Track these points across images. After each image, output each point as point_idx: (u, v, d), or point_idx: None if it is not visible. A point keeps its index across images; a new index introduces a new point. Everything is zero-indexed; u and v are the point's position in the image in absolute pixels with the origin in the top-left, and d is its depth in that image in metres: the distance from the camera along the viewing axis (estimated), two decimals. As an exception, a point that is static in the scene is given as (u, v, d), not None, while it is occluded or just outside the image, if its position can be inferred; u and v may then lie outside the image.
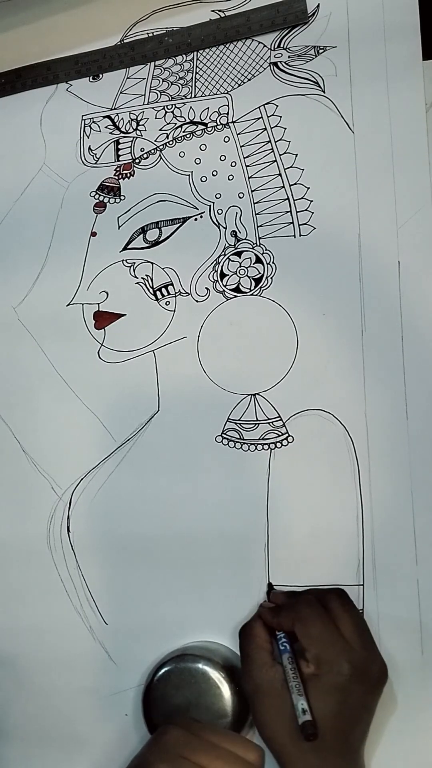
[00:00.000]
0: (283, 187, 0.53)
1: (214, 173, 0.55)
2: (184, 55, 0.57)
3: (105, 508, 0.53)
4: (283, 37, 0.55)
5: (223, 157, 0.55)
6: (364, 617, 0.46)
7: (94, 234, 0.57)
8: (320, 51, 0.54)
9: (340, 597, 0.45)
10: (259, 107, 0.55)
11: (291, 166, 0.53)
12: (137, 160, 0.57)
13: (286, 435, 0.51)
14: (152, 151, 0.57)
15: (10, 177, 0.60)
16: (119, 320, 0.55)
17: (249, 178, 0.54)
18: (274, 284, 0.53)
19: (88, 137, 0.59)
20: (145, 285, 0.55)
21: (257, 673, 0.44)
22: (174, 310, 0.54)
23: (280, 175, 0.54)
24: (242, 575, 0.50)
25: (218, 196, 0.55)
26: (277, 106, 0.54)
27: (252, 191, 0.54)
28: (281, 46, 0.55)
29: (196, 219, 0.55)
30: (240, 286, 0.53)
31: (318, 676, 0.42)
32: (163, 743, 0.41)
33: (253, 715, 0.44)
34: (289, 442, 0.51)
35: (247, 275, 0.53)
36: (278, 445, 0.51)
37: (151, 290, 0.55)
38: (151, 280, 0.55)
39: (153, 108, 0.57)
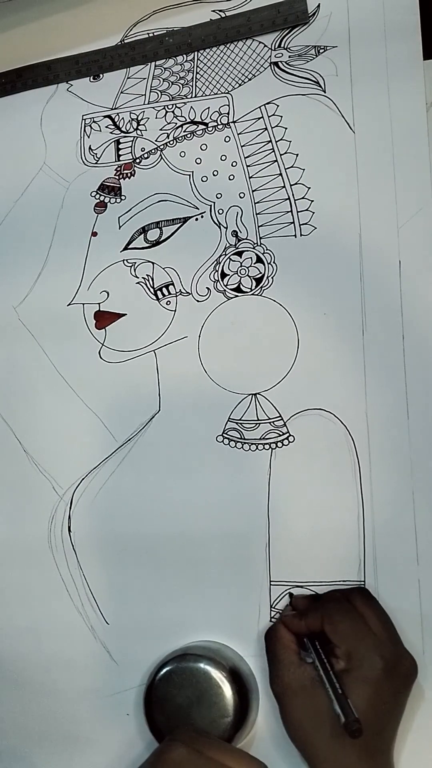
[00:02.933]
0: (284, 186, 0.53)
1: (215, 173, 0.55)
2: (184, 55, 0.57)
3: (106, 508, 0.53)
4: (283, 37, 0.55)
5: (223, 157, 0.55)
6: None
7: (94, 234, 0.57)
8: (321, 51, 0.54)
9: (364, 594, 0.46)
10: (259, 107, 0.55)
11: (292, 166, 0.53)
12: (138, 160, 0.57)
13: (287, 435, 0.51)
14: (153, 151, 0.57)
15: (10, 177, 0.60)
16: (120, 320, 0.55)
17: (250, 177, 0.54)
18: (274, 284, 0.53)
19: (89, 137, 0.59)
20: (146, 285, 0.55)
21: (286, 672, 0.44)
22: (175, 310, 0.54)
23: (280, 174, 0.54)
24: (244, 574, 0.50)
25: (219, 195, 0.55)
26: (278, 105, 0.54)
27: (253, 191, 0.54)
28: (282, 45, 0.55)
29: (196, 219, 0.55)
30: (241, 286, 0.53)
31: (349, 671, 0.42)
32: (166, 761, 0.40)
33: (283, 716, 0.44)
34: (290, 442, 0.51)
35: (247, 275, 0.53)
36: (279, 444, 0.51)
37: (151, 290, 0.55)
38: (152, 279, 0.55)
39: (153, 108, 0.57)
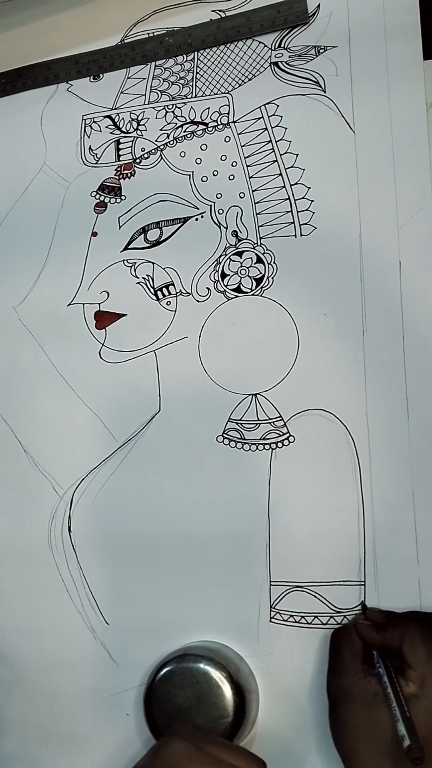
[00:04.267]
0: (284, 186, 0.53)
1: (215, 173, 0.55)
2: (184, 55, 0.57)
3: (106, 508, 0.53)
4: (283, 37, 0.55)
5: (223, 157, 0.55)
6: None
7: (94, 234, 0.57)
8: (321, 51, 0.54)
9: None
10: (259, 107, 0.55)
11: (292, 166, 0.53)
12: (138, 160, 0.57)
13: (287, 435, 0.51)
14: (153, 151, 0.57)
15: (10, 177, 0.60)
16: (120, 320, 0.55)
17: (250, 177, 0.54)
18: (275, 284, 0.53)
19: (89, 137, 0.59)
20: (146, 285, 0.55)
21: (350, 678, 0.43)
22: (175, 310, 0.54)
23: (280, 174, 0.54)
24: (244, 575, 0.50)
25: (219, 195, 0.55)
26: (278, 105, 0.54)
27: (253, 191, 0.54)
28: (282, 45, 0.55)
29: (197, 219, 0.55)
30: (241, 286, 0.53)
31: (419, 697, 0.41)
32: (164, 756, 0.40)
33: (334, 720, 0.43)
34: (290, 442, 0.51)
35: (248, 275, 0.53)
36: (279, 444, 0.51)
37: (152, 290, 0.55)
38: (152, 280, 0.55)
39: (153, 108, 0.57)
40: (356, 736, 0.42)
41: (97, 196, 0.57)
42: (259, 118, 0.55)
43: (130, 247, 0.56)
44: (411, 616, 0.45)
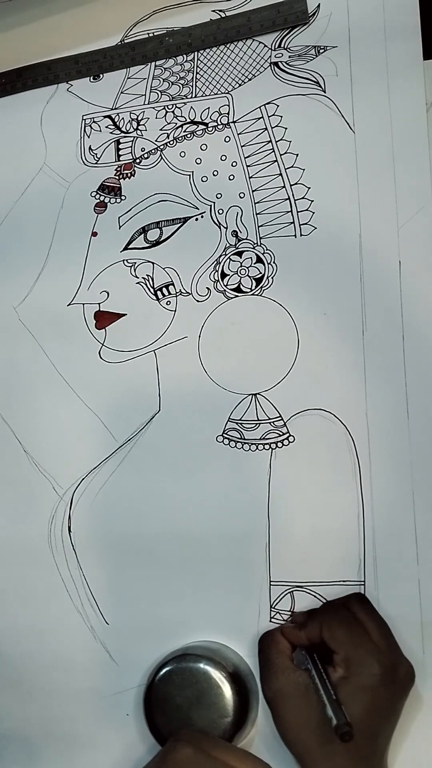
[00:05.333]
0: (284, 186, 0.53)
1: (215, 173, 0.55)
2: (184, 55, 0.57)
3: (106, 508, 0.53)
4: (283, 37, 0.55)
5: (223, 157, 0.55)
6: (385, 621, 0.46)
7: (94, 234, 0.57)
8: (321, 51, 0.54)
9: (362, 601, 0.45)
10: (259, 107, 0.55)
11: (292, 166, 0.53)
12: (138, 160, 0.57)
13: (287, 435, 0.51)
14: (153, 151, 0.57)
15: (10, 177, 0.60)
16: (120, 320, 0.55)
17: (250, 177, 0.54)
18: (274, 284, 0.53)
19: (89, 137, 0.59)
20: (146, 285, 0.55)
21: (280, 676, 0.44)
22: (175, 310, 0.54)
23: (280, 174, 0.54)
24: (243, 575, 0.50)
25: (219, 195, 0.55)
26: (278, 105, 0.54)
27: (253, 191, 0.54)
28: (282, 46, 0.55)
29: (196, 219, 0.55)
30: (241, 286, 0.53)
31: (347, 678, 0.42)
32: (172, 761, 0.40)
33: (276, 720, 0.44)
34: (290, 442, 0.51)
35: (247, 275, 0.53)
36: (279, 444, 0.51)
37: (151, 290, 0.55)
38: (152, 279, 0.55)
39: (153, 108, 0.58)
40: (298, 731, 0.43)
41: (97, 196, 0.57)
42: (259, 118, 0.55)
43: (130, 247, 0.56)
44: (325, 605, 0.47)
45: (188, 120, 0.56)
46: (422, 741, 0.45)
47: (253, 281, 0.53)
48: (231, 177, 0.55)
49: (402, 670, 0.43)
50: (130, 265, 0.56)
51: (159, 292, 0.55)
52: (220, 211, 0.55)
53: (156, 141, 0.57)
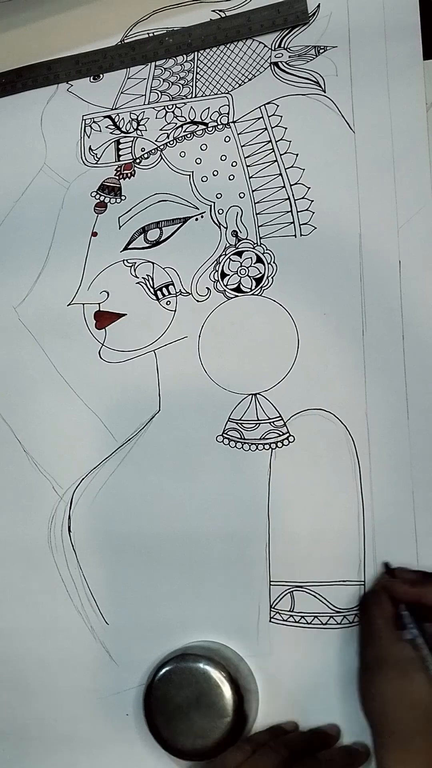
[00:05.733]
0: (284, 186, 0.53)
1: (215, 173, 0.55)
2: (184, 55, 0.57)
3: (106, 508, 0.53)
4: (283, 37, 0.55)
5: (223, 157, 0.55)
6: None
7: (94, 234, 0.57)
8: (321, 51, 0.54)
9: None
10: (259, 107, 0.55)
11: (292, 166, 0.53)
12: (138, 160, 0.57)
13: (287, 435, 0.51)
14: (153, 151, 0.57)
15: (10, 177, 0.60)
16: (120, 320, 0.55)
17: (250, 177, 0.54)
18: (274, 284, 0.53)
19: (89, 137, 0.59)
20: (146, 285, 0.55)
21: (384, 644, 0.42)
22: (175, 310, 0.54)
23: (280, 174, 0.54)
24: (244, 575, 0.50)
25: (219, 195, 0.55)
26: (278, 105, 0.54)
27: (253, 191, 0.54)
28: (282, 46, 0.55)
29: (196, 219, 0.55)
30: (241, 286, 0.53)
31: None
32: None
33: (365, 688, 0.42)
34: (290, 442, 0.51)
35: (247, 275, 0.53)
36: (279, 444, 0.51)
37: (151, 290, 0.55)
38: (152, 279, 0.55)
39: (153, 108, 0.58)
40: (392, 704, 0.40)
41: (97, 196, 0.57)
42: (259, 118, 0.55)
43: (130, 247, 0.56)
44: None
45: (188, 120, 0.56)
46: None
47: (253, 281, 0.53)
48: (231, 177, 0.55)
49: None
50: (130, 265, 0.56)
51: (159, 292, 0.55)
52: (220, 211, 0.55)
53: (156, 141, 0.57)
